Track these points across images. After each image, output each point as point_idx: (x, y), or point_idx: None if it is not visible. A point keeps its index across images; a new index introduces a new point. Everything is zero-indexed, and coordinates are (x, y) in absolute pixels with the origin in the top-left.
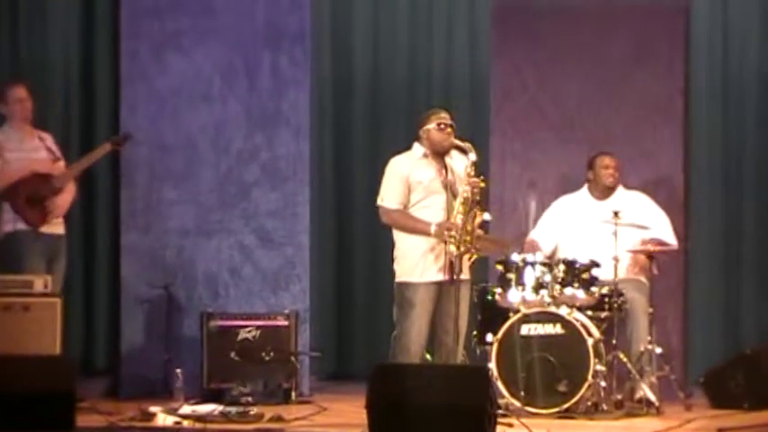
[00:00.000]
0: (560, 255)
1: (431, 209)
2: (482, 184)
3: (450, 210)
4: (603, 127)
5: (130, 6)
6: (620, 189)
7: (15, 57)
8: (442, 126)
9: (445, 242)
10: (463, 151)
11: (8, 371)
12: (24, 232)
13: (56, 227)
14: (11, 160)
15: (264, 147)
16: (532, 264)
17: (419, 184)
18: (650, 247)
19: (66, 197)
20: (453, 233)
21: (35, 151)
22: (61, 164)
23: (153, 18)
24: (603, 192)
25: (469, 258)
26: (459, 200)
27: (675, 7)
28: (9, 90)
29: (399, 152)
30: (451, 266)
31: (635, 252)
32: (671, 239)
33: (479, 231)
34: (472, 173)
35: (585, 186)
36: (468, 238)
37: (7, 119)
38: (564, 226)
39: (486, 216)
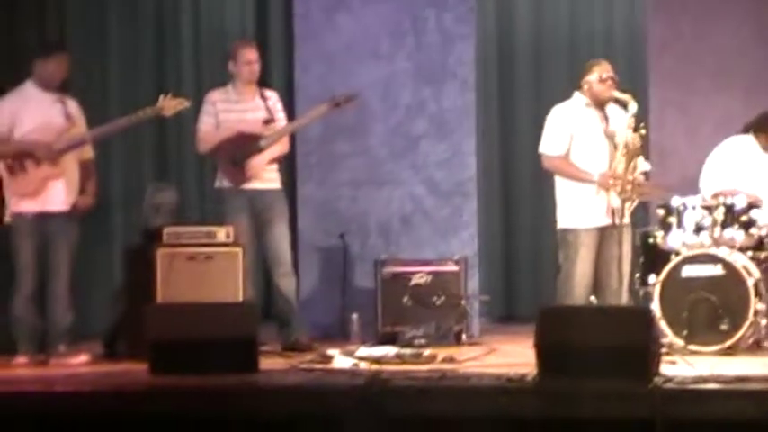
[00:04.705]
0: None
1: (592, 157)
2: (642, 133)
3: (611, 158)
4: (759, 73)
5: None
6: None
7: (196, 27)
8: (604, 77)
9: (607, 191)
10: (623, 104)
11: (195, 318)
12: (227, 189)
13: (262, 182)
14: (222, 120)
15: (431, 100)
16: (693, 207)
17: (581, 133)
18: None
19: (261, 157)
20: (616, 182)
21: (250, 111)
22: (275, 124)
23: None
24: None
25: (630, 205)
26: (621, 150)
27: None
28: (240, 50)
29: (560, 102)
30: (614, 213)
31: None
32: None
33: (640, 179)
34: (633, 124)
35: (752, 135)
36: (630, 186)
37: (233, 77)
38: (729, 169)
39: (647, 165)
